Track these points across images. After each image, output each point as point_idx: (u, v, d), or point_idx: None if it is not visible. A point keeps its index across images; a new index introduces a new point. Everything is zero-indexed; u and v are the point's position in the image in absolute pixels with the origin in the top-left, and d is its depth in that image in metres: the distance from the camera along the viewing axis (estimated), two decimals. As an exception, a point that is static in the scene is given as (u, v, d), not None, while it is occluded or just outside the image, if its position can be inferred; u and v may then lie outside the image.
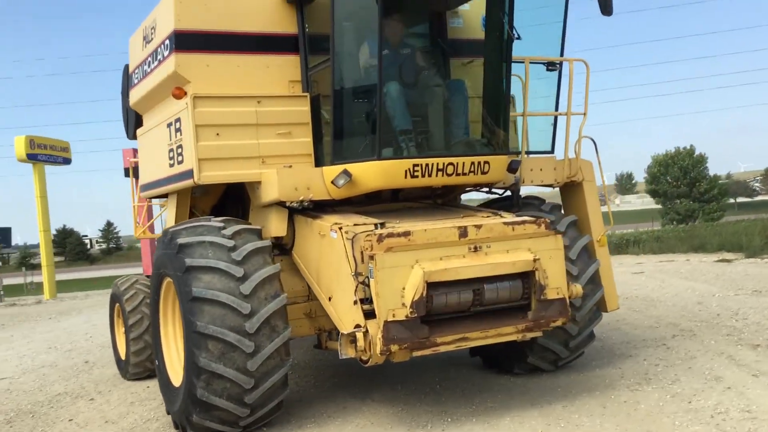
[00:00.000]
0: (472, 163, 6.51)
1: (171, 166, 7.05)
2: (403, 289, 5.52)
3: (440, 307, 5.71)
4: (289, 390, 6.24)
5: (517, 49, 7.83)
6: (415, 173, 6.30)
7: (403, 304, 5.49)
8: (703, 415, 5.75)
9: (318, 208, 6.69)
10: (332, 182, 6.34)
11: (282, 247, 7.01)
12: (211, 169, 6.46)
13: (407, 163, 6.28)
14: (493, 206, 7.61)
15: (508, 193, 7.73)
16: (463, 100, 6.89)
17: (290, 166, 6.54)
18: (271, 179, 6.45)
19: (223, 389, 5.73)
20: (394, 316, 5.46)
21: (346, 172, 6.28)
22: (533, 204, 7.58)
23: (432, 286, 5.59)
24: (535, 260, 5.95)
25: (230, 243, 6.03)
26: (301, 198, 6.42)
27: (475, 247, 5.87)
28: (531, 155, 7.71)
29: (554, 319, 6.10)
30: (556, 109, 7.68)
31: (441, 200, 7.47)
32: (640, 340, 8.86)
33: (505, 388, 7.09)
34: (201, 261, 5.86)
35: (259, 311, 5.79)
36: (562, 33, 7.51)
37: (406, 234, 5.68)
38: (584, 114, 7.63)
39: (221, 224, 6.26)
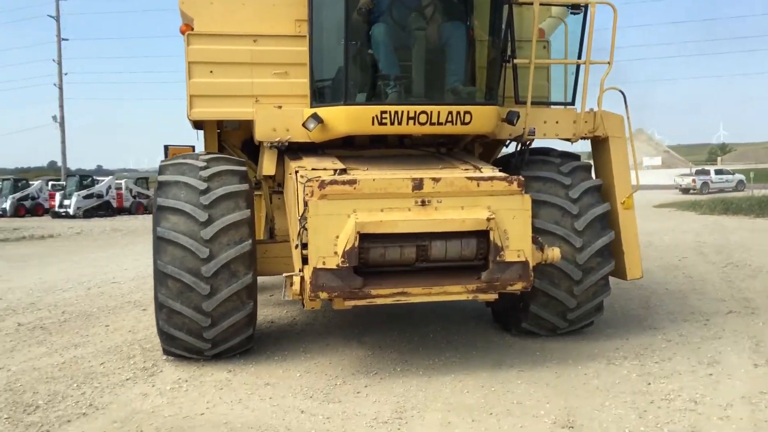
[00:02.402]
0: (450, 112, 6.25)
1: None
2: (337, 237, 5.54)
3: (377, 259, 5.67)
4: (254, 331, 6.51)
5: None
6: (384, 120, 6.18)
7: (335, 253, 5.51)
8: (644, 399, 5.29)
9: (311, 150, 6.80)
10: (303, 125, 6.40)
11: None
12: (203, 105, 6.74)
13: (375, 110, 6.17)
14: (512, 160, 7.20)
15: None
16: (458, 45, 6.55)
17: (280, 107, 6.67)
18: (255, 119, 6.64)
19: (183, 323, 6.12)
20: (324, 263, 5.50)
21: (315, 116, 6.32)
22: (551, 162, 7.05)
23: (368, 238, 5.56)
24: (489, 219, 5.68)
25: (203, 186, 6.24)
26: (278, 139, 6.56)
27: (423, 201, 5.71)
28: (550, 106, 7.21)
29: (512, 282, 5.80)
30: (579, 57, 7.04)
31: (445, 149, 7.24)
32: (688, 313, 8.12)
33: (491, 345, 6.91)
34: (170, 202, 6.17)
35: (217, 256, 6.01)
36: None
37: (352, 182, 5.65)
38: (609, 63, 6.91)
39: (203, 164, 6.51)
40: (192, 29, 6.79)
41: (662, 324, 7.61)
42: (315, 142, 6.62)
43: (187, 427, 4.96)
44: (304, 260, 5.61)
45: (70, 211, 35.11)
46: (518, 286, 5.85)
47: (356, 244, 5.50)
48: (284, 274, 5.81)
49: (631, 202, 7.18)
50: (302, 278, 5.60)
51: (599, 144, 7.36)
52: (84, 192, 36.18)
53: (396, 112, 6.17)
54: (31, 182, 41.82)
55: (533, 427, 4.82)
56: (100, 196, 36.99)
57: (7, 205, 37.02)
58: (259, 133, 6.59)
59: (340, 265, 5.50)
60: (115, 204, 37.85)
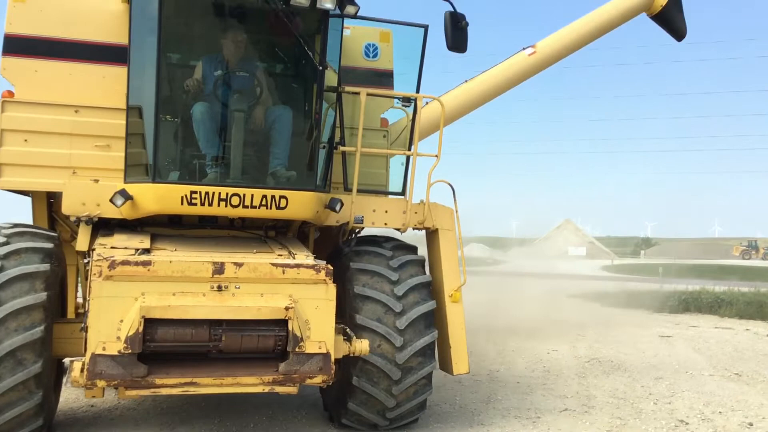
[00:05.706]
0: (264, 196, 6.14)
1: None
2: (121, 321, 5.29)
3: (165, 347, 5.42)
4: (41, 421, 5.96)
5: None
6: (194, 201, 6.02)
7: (118, 338, 5.26)
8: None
9: (129, 227, 6.55)
10: (110, 201, 6.17)
11: None
12: (14, 174, 6.48)
13: (184, 190, 6.02)
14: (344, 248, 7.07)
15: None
16: (283, 129, 6.52)
17: (96, 180, 6.45)
18: (63, 192, 6.38)
19: None
20: (104, 349, 5.24)
21: (123, 192, 6.11)
22: (382, 255, 6.89)
23: (156, 324, 5.33)
24: (288, 308, 5.53)
25: None
26: (86, 213, 6.31)
27: (219, 287, 5.55)
28: (383, 195, 7.24)
29: (311, 375, 5.65)
30: (409, 148, 7.11)
31: (274, 233, 7.11)
32: (525, 409, 8.04)
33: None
34: None
35: (2, 343, 5.54)
36: (419, 69, 7.02)
37: (146, 264, 5.45)
38: (437, 156, 7.00)
39: (3, 239, 6.03)
40: (13, 96, 6.60)
41: (492, 420, 7.49)
42: (128, 219, 6.40)
43: None
44: (86, 345, 5.31)
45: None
46: (318, 380, 5.69)
47: (140, 329, 5.27)
48: (66, 359, 5.48)
49: (458, 295, 7.15)
50: (83, 364, 5.29)
51: (431, 236, 7.38)
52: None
53: (207, 193, 6.03)
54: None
55: None
56: None
57: None
58: (66, 207, 6.32)
59: (122, 351, 5.25)
60: None
